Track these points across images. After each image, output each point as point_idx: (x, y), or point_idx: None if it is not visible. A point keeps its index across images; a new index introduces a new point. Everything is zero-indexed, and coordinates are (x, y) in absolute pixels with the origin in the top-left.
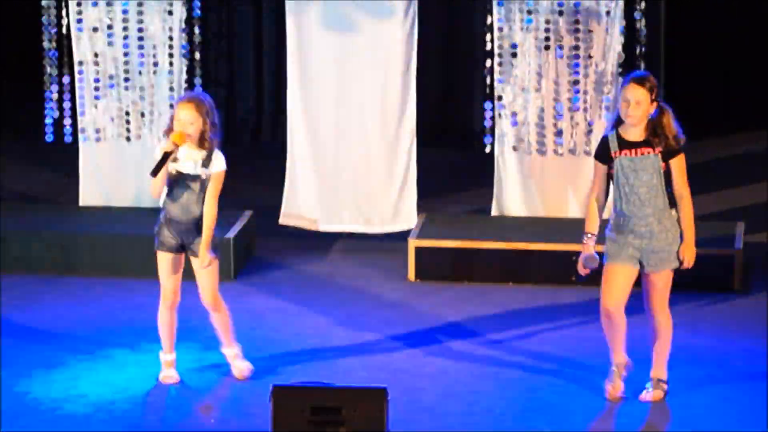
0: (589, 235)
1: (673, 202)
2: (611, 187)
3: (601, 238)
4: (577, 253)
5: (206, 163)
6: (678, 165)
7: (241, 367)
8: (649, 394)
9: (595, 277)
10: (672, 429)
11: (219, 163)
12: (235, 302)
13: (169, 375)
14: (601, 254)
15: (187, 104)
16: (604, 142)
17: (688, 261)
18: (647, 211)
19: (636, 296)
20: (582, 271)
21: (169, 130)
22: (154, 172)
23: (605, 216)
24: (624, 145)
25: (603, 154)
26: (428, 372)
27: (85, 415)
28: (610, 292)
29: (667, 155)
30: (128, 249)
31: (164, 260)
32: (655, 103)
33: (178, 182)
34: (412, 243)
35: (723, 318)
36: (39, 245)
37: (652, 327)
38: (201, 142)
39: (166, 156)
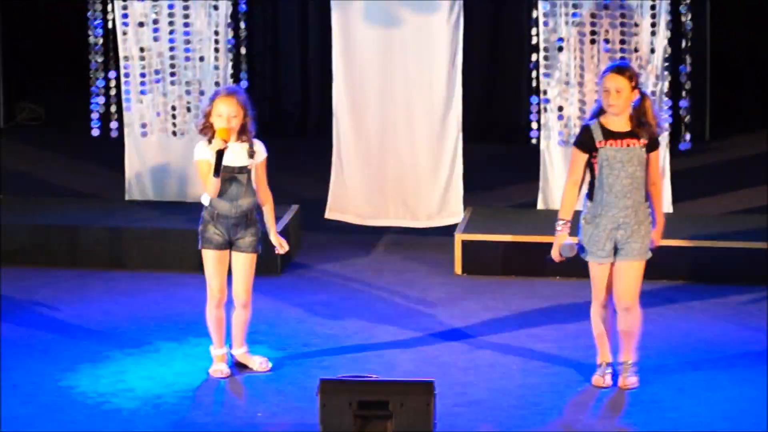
0: (564, 222)
1: (646, 197)
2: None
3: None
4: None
5: (251, 153)
6: (656, 157)
7: (259, 360)
8: (627, 379)
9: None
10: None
11: (262, 151)
12: (281, 296)
13: (219, 369)
14: (577, 245)
15: (228, 98)
16: (587, 130)
17: (656, 244)
18: (627, 203)
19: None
20: (557, 258)
21: (205, 127)
22: (216, 172)
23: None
24: (609, 135)
25: (586, 143)
26: (475, 366)
27: (131, 409)
28: (604, 290)
29: (650, 147)
30: (175, 243)
31: (211, 258)
32: (636, 91)
33: (225, 178)
34: (459, 237)
35: (754, 311)
36: (86, 240)
37: (624, 318)
38: (242, 134)
39: (220, 154)
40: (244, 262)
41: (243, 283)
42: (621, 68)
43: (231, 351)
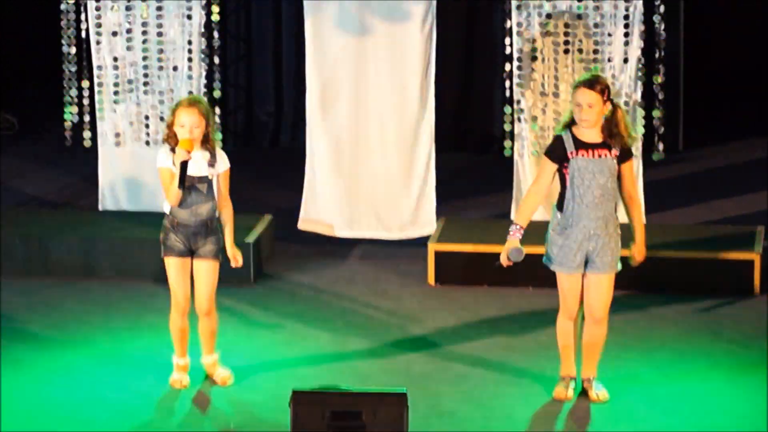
0: (518, 227)
1: (616, 207)
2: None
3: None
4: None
5: (212, 162)
6: (630, 169)
7: (223, 375)
8: (600, 393)
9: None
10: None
11: (225, 161)
12: (254, 306)
13: (179, 378)
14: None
15: (190, 108)
16: (559, 141)
17: (639, 260)
18: (598, 214)
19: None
20: (505, 262)
21: (169, 136)
22: (181, 184)
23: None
24: (580, 145)
25: (556, 153)
26: (448, 377)
27: (104, 419)
28: (573, 301)
29: (622, 159)
30: (148, 253)
31: (173, 265)
32: (608, 103)
33: (186, 186)
34: (432, 247)
35: (743, 322)
36: (59, 249)
37: (591, 331)
38: (204, 143)
39: (184, 165)
40: (205, 270)
41: (204, 291)
42: (592, 82)
43: (201, 360)
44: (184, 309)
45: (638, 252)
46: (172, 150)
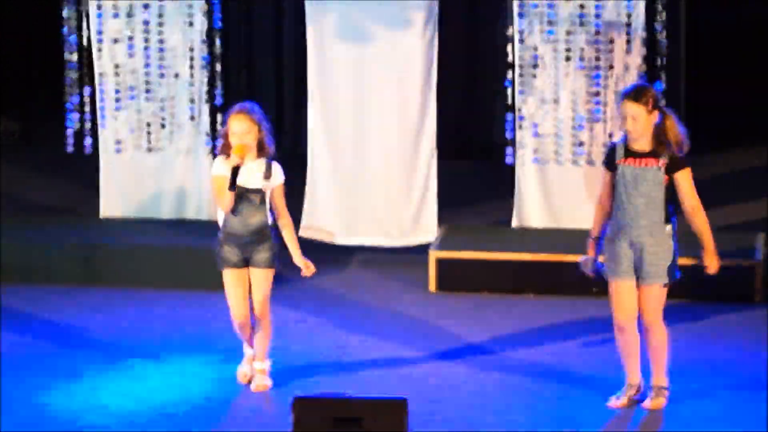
0: (590, 239)
1: (668, 218)
2: None
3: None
4: (601, 265)
5: (267, 175)
6: (684, 178)
7: (263, 382)
8: (651, 401)
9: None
10: None
11: (279, 174)
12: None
13: (242, 372)
14: (599, 261)
15: (239, 116)
16: (612, 149)
17: (714, 268)
18: (642, 223)
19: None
20: (586, 273)
21: (225, 146)
22: (232, 187)
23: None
24: (629, 154)
25: (609, 161)
26: (449, 384)
27: (105, 426)
28: (618, 309)
29: (672, 168)
30: (149, 260)
31: (227, 277)
32: (655, 112)
33: (238, 196)
34: (434, 254)
35: (742, 329)
36: (60, 256)
37: (647, 338)
38: (261, 150)
39: (236, 170)
40: (258, 278)
41: (259, 298)
42: (636, 94)
43: (252, 363)
44: (240, 323)
45: (709, 260)
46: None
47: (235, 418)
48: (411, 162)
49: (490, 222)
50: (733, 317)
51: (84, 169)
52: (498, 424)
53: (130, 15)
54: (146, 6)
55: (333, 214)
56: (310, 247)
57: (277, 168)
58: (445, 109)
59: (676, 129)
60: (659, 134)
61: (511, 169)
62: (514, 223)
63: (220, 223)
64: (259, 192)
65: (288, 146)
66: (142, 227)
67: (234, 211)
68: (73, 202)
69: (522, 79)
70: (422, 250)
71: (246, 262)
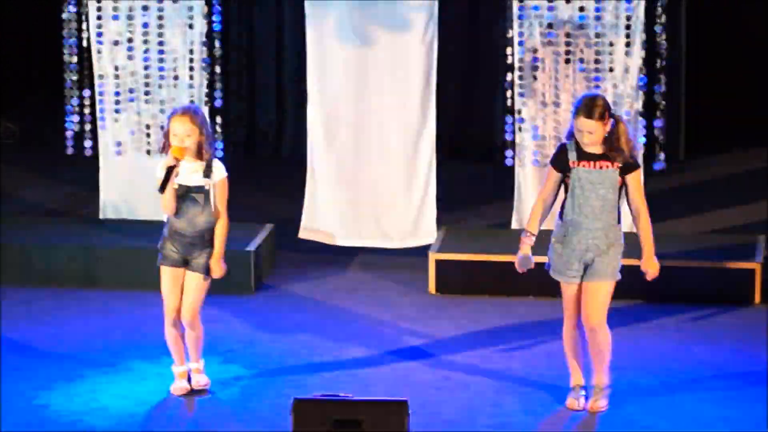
0: (528, 234)
1: (619, 220)
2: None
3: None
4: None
5: (207, 173)
6: (635, 180)
7: (202, 380)
8: (595, 402)
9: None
10: None
11: (220, 171)
12: (255, 316)
13: (179, 386)
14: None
15: (182, 117)
16: (563, 149)
17: (652, 273)
18: (597, 225)
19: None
20: (519, 269)
21: (165, 146)
22: (162, 188)
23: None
24: (583, 156)
25: (560, 162)
26: (449, 385)
27: (105, 428)
28: (569, 310)
29: (625, 170)
30: (148, 262)
31: (165, 274)
32: (608, 121)
33: (182, 196)
34: (433, 256)
35: (742, 331)
36: (60, 258)
37: (592, 338)
38: (199, 154)
39: (169, 171)
40: (192, 282)
41: (188, 303)
42: (589, 111)
43: (188, 365)
44: (174, 319)
45: (646, 265)
46: None
47: (235, 418)
48: (411, 163)
49: (490, 224)
50: (734, 319)
51: (84, 171)
52: (498, 426)
53: (129, 17)
54: (146, 8)
55: (333, 215)
56: (311, 247)
57: (218, 164)
58: (445, 111)
59: (627, 134)
60: (611, 140)
61: (511, 171)
62: (514, 225)
63: (166, 220)
64: (202, 190)
65: (287, 149)
66: (142, 229)
67: (178, 212)
68: (72, 204)
69: (522, 81)
70: (422, 251)
71: (185, 263)
